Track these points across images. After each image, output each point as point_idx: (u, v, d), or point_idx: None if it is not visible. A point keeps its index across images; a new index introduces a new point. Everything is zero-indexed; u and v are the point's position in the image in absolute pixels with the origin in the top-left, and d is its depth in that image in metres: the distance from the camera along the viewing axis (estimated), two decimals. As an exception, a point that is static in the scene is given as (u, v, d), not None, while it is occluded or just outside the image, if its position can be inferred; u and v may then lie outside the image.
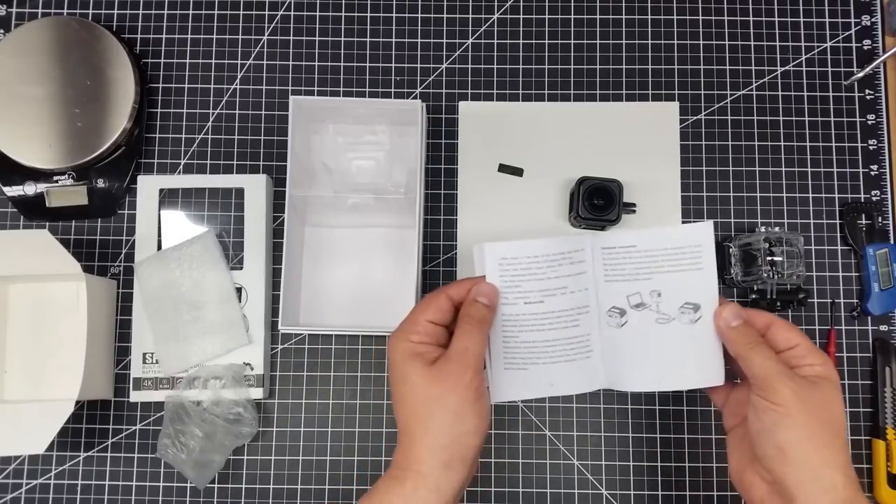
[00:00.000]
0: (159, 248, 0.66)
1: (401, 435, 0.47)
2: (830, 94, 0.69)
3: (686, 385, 0.52)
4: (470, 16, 0.71)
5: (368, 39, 0.71)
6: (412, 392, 0.46)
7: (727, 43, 0.70)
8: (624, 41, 0.70)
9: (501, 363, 0.51)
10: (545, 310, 0.50)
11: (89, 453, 0.65)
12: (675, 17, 0.71)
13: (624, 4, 0.71)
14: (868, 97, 0.69)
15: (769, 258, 0.62)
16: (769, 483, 0.47)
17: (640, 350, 0.52)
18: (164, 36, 0.71)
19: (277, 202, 0.68)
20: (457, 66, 0.70)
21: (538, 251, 0.50)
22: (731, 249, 0.64)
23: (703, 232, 0.50)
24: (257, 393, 0.63)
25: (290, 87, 0.70)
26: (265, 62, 0.70)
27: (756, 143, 0.69)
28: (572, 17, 0.71)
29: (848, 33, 0.70)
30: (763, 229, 0.64)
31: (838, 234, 0.67)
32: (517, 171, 0.68)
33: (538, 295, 0.50)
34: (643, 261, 0.51)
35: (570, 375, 0.52)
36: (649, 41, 0.70)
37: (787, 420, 0.45)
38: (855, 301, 0.67)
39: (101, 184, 0.67)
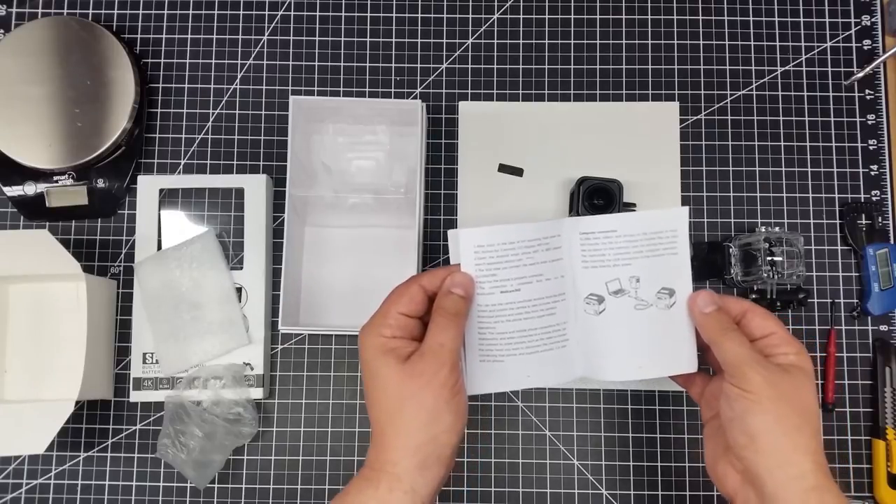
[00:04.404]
0: (159, 248, 0.66)
1: (374, 434, 0.46)
2: (830, 94, 0.69)
3: (661, 372, 0.52)
4: (470, 16, 0.71)
5: (368, 39, 0.71)
6: (384, 390, 0.45)
7: (727, 43, 0.70)
8: (624, 41, 0.70)
9: (476, 356, 0.50)
10: (521, 298, 0.50)
11: (89, 453, 0.65)
12: (675, 17, 0.71)
13: (624, 4, 0.71)
14: (868, 97, 0.69)
15: (769, 258, 0.62)
16: (741, 472, 0.47)
17: (618, 338, 0.51)
18: (164, 36, 0.71)
19: (277, 202, 0.68)
20: (457, 66, 0.70)
21: (514, 237, 0.49)
22: (731, 249, 0.64)
23: (679, 216, 0.50)
24: (257, 393, 0.63)
25: (290, 87, 0.70)
26: (265, 62, 0.70)
27: (756, 143, 0.69)
28: (572, 17, 0.71)
29: (848, 33, 0.70)
30: (763, 229, 0.64)
31: (838, 234, 0.67)
32: (517, 171, 0.68)
33: (515, 283, 0.49)
34: (623, 246, 0.50)
35: (546, 366, 0.51)
36: (649, 41, 0.70)
37: (758, 407, 0.45)
38: (855, 301, 0.67)
39: (101, 184, 0.67)
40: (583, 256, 0.50)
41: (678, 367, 0.52)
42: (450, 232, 0.50)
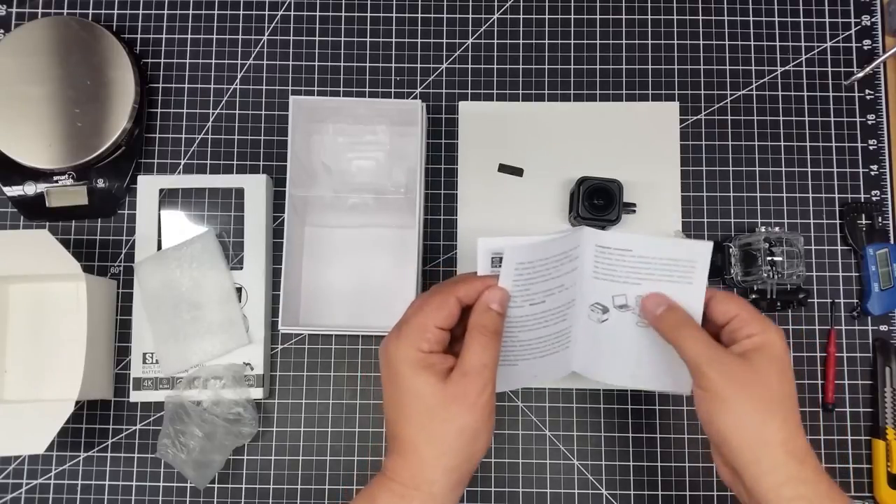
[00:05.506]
0: (159, 248, 0.66)
1: (402, 448, 0.45)
2: (830, 94, 0.69)
3: (654, 387, 0.53)
4: (470, 16, 0.71)
5: (368, 39, 0.71)
6: (426, 409, 0.44)
7: (727, 43, 0.70)
8: (624, 41, 0.70)
9: None
10: (544, 309, 0.50)
11: (89, 453, 0.65)
12: (675, 17, 0.71)
13: (624, 4, 0.71)
14: (868, 97, 0.69)
15: (769, 258, 0.62)
16: (729, 467, 0.47)
17: (616, 347, 0.52)
18: (164, 36, 0.71)
19: (277, 202, 0.68)
20: (457, 66, 0.70)
21: (550, 252, 0.48)
22: (731, 249, 0.64)
23: (702, 250, 0.49)
24: (257, 393, 0.63)
25: (290, 87, 0.70)
26: (265, 62, 0.70)
27: (756, 143, 0.69)
28: (572, 17, 0.71)
29: (848, 33, 0.70)
30: (763, 229, 0.64)
31: (838, 234, 0.67)
32: (517, 171, 0.68)
33: (542, 296, 0.49)
34: (636, 266, 0.50)
35: (551, 365, 0.52)
36: (649, 41, 0.70)
37: (719, 405, 0.44)
38: (855, 301, 0.66)
39: (101, 184, 0.67)
40: (595, 267, 0.50)
41: (674, 388, 0.52)
42: (485, 241, 0.48)
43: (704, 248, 0.49)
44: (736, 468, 0.45)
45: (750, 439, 0.44)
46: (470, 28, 0.71)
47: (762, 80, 0.70)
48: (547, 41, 0.71)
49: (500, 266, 0.48)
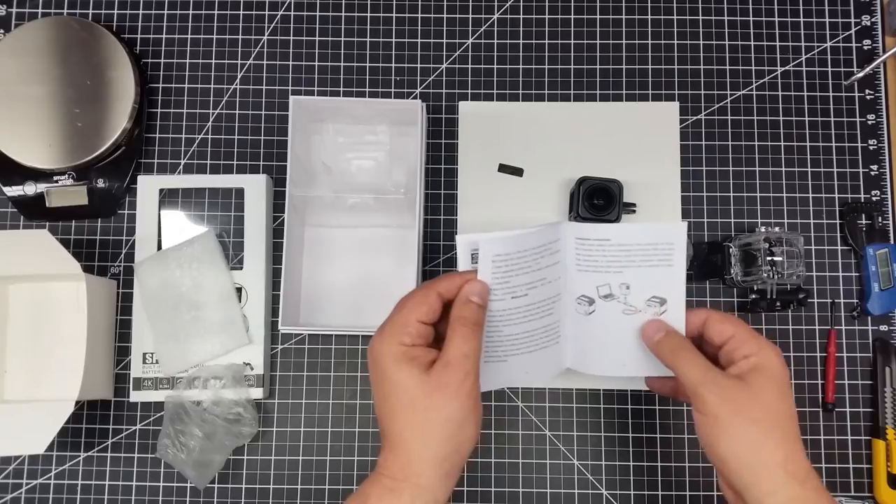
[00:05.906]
0: (159, 248, 0.66)
1: (391, 443, 0.46)
2: (830, 94, 0.69)
3: (645, 372, 0.53)
4: (470, 16, 0.71)
5: (368, 39, 0.71)
6: (409, 401, 0.45)
7: (727, 43, 0.70)
8: (624, 41, 0.70)
9: (482, 357, 0.50)
10: (528, 302, 0.50)
11: (89, 453, 0.65)
12: (675, 17, 0.71)
13: (624, 4, 0.71)
14: (868, 97, 0.69)
15: (769, 258, 0.62)
16: (733, 490, 0.47)
17: (605, 338, 0.53)
18: (164, 36, 0.71)
19: (277, 202, 0.68)
20: (457, 66, 0.70)
21: (528, 244, 0.49)
22: (731, 249, 0.64)
23: (677, 231, 0.50)
24: (257, 393, 0.63)
25: (290, 87, 0.70)
26: (265, 62, 0.70)
27: (756, 143, 0.69)
28: (572, 17, 0.71)
29: (848, 33, 0.70)
30: (763, 229, 0.64)
31: (838, 234, 0.67)
32: (517, 171, 0.68)
33: (524, 289, 0.50)
34: (616, 254, 0.51)
35: (542, 361, 0.53)
36: (649, 41, 0.70)
37: (718, 429, 0.45)
38: (855, 301, 0.66)
39: (101, 184, 0.67)
40: (577, 259, 0.51)
41: (661, 370, 0.52)
42: (463, 237, 0.49)
43: (679, 229, 0.50)
44: (738, 491, 0.45)
45: (749, 461, 0.44)
46: (470, 28, 0.71)
47: (762, 80, 0.70)
48: (547, 41, 0.71)
49: None
